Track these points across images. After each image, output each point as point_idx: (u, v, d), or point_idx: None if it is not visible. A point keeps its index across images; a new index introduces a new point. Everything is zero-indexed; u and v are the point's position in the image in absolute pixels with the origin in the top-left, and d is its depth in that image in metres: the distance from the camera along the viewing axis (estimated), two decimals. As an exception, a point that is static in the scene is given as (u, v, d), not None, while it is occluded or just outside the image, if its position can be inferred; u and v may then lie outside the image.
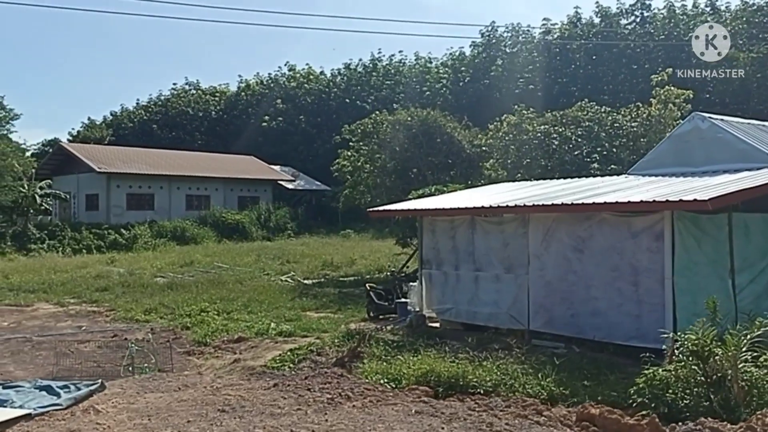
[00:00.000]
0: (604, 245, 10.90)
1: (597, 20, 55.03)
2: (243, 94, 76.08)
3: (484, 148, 24.22)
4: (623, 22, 53.11)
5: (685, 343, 7.14)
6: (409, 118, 24.72)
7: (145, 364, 11.16)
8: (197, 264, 30.21)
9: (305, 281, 24.91)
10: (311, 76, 70.93)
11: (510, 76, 53.61)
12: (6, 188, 36.55)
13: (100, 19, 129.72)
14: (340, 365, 10.27)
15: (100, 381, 7.85)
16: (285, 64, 75.00)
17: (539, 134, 20.97)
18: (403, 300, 14.57)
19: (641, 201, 9.85)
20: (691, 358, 7.01)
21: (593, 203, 10.54)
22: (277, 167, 55.66)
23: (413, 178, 25.01)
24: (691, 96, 20.43)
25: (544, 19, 74.44)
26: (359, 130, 26.91)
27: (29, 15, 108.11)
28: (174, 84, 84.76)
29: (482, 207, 12.62)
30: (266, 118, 67.38)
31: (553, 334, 11.57)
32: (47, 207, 41.94)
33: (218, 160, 52.88)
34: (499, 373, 8.95)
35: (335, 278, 25.44)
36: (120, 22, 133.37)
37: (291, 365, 10.41)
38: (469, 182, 22.63)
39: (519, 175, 20.96)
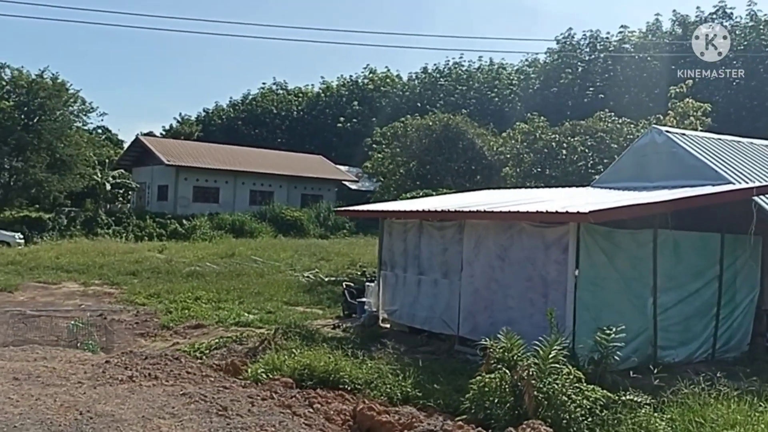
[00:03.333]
0: (521, 255, 10.85)
1: (677, 29, 52.78)
2: (323, 95, 78.00)
3: (508, 156, 24.04)
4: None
5: (495, 350, 7.16)
6: (431, 123, 24.88)
7: (89, 341, 12.06)
8: (237, 256, 31.43)
9: (326, 278, 25.54)
10: (388, 80, 71.81)
11: (582, 84, 52.36)
12: (78, 176, 39.32)
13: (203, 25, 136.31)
14: (252, 354, 10.84)
15: None
16: (365, 67, 76.25)
17: (552, 143, 20.65)
18: (362, 299, 14.90)
19: (537, 212, 9.80)
20: (500, 366, 7.03)
21: (500, 212, 10.59)
22: (344, 167, 56.76)
23: (435, 182, 25.15)
24: (709, 109, 19.54)
25: (622, 26, 71.92)
26: (389, 133, 27.31)
27: (142, 20, 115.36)
28: (263, 83, 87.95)
29: (421, 211, 12.78)
30: (341, 119, 68.78)
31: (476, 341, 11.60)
32: (119, 195, 44.86)
33: (285, 158, 54.57)
34: (371, 372, 9.17)
35: (354, 276, 25.94)
36: (223, 27, 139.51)
37: (206, 350, 11.00)
38: (487, 187, 22.62)
39: (532, 182, 20.81)
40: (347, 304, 16.14)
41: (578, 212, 9.12)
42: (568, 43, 58.77)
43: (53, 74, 39.20)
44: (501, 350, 7.06)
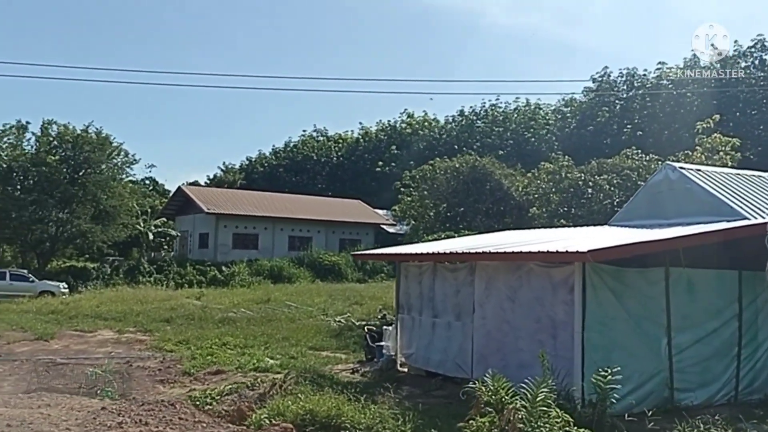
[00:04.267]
0: (530, 296, 10.71)
1: (716, 63, 52.04)
2: (362, 140, 79.10)
3: (535, 195, 23.90)
4: (743, 64, 49.87)
5: (484, 393, 7.04)
6: (458, 165, 24.96)
7: (108, 389, 12.29)
8: (272, 302, 31.70)
9: (357, 322, 25.51)
10: (426, 123, 72.49)
11: (619, 122, 51.92)
12: (121, 226, 40.51)
13: (248, 81, 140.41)
14: (261, 399, 10.89)
15: None
16: (403, 111, 77.26)
17: (579, 182, 20.50)
18: (380, 343, 14.85)
19: (538, 252, 9.70)
20: (488, 408, 6.91)
21: (506, 252, 10.49)
22: (381, 211, 57.07)
23: (465, 224, 25.09)
24: (738, 144, 19.13)
25: (659, 62, 71.24)
26: (418, 176, 27.48)
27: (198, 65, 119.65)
28: (303, 131, 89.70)
29: (432, 253, 12.76)
30: (380, 163, 69.44)
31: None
32: (162, 243, 45.97)
33: (323, 203, 55.23)
34: (373, 417, 9.11)
35: (386, 320, 25.86)
36: (267, 81, 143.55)
37: (218, 396, 11.09)
38: (517, 228, 22.46)
39: (558, 222, 20.61)
40: (369, 348, 16.08)
41: (577, 251, 8.99)
42: (604, 81, 58.54)
43: (97, 128, 40.91)
44: (488, 393, 6.94)
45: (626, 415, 8.03)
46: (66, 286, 34.87)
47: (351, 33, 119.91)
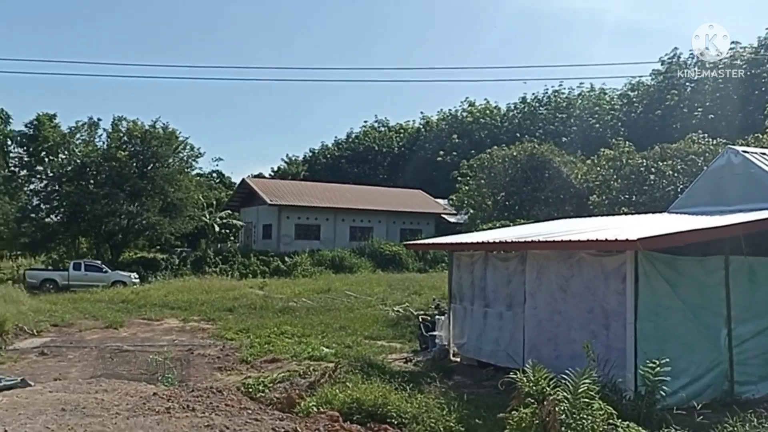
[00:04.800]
0: (582, 286, 10.48)
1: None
2: (423, 129, 78.85)
3: (596, 183, 23.32)
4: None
5: (525, 384, 6.92)
6: (516, 153, 24.55)
7: (168, 375, 12.71)
8: (332, 291, 32.07)
9: (415, 312, 25.54)
10: (487, 111, 71.62)
11: (690, 105, 49.99)
12: (187, 218, 41.72)
13: (310, 74, 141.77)
14: (311, 387, 11.07)
15: (21, 378, 9.47)
16: (464, 100, 76.52)
17: (640, 168, 19.90)
18: (433, 333, 14.83)
19: (587, 240, 9.46)
20: (529, 399, 6.80)
21: (555, 241, 10.26)
22: (442, 201, 56.83)
23: (525, 213, 24.72)
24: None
25: (733, 42, 68.00)
26: (476, 165, 27.18)
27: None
28: (364, 122, 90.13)
29: (483, 242, 12.62)
30: (441, 152, 69.09)
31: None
32: (228, 235, 47.11)
33: (384, 193, 55.40)
34: (419, 406, 9.12)
35: (439, 309, 25.80)
36: (330, 73, 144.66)
37: (270, 384, 11.32)
38: (577, 216, 21.98)
39: (619, 209, 20.07)
40: (422, 337, 16.09)
41: (627, 240, 8.72)
42: (674, 63, 56.41)
43: (164, 124, 42.19)
44: (529, 384, 6.84)
45: (674, 408, 7.75)
46: (137, 276, 36.18)
47: (409, 22, 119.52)
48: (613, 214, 18.57)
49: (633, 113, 54.40)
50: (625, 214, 18.48)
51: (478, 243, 12.90)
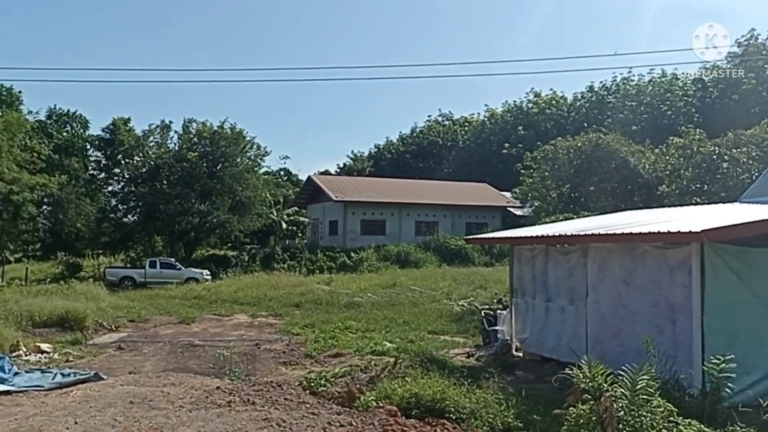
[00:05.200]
0: (646, 279, 10.20)
1: None
2: (488, 122, 78.04)
3: (665, 172, 22.59)
4: None
5: (581, 380, 6.80)
6: (580, 144, 24.00)
7: (236, 369, 13.09)
8: (397, 286, 32.21)
9: (480, 306, 25.38)
10: (553, 101, 70.25)
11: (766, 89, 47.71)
12: (256, 216, 42.72)
13: (375, 71, 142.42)
14: (371, 382, 11.18)
15: (93, 372, 9.88)
16: (530, 91, 75.26)
17: (713, 156, 19.19)
18: (495, 327, 14.72)
19: (649, 233, 9.19)
20: (587, 396, 6.68)
21: (617, 234, 10.02)
22: (508, 194, 56.15)
23: (591, 204, 24.19)
24: None
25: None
26: (539, 156, 26.72)
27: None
28: (428, 116, 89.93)
29: (543, 236, 12.43)
30: (506, 145, 68.24)
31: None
32: (296, 231, 48.01)
33: (449, 187, 55.19)
34: (477, 401, 9.10)
35: (502, 304, 25.56)
36: (394, 70, 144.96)
37: (332, 378, 11.51)
38: (646, 207, 21.37)
39: (690, 199, 19.41)
40: (485, 332, 15.99)
41: (690, 231, 8.43)
42: (751, 44, 53.83)
43: (232, 124, 43.35)
44: (585, 380, 6.72)
45: (741, 406, 7.46)
46: (209, 273, 37.34)
47: (469, 14, 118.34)
48: (684, 204, 17.95)
49: (707, 98, 52.27)
50: (696, 203, 17.85)
51: (537, 237, 12.73)
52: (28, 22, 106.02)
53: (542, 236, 12.49)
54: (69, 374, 9.88)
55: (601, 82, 67.38)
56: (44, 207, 45.72)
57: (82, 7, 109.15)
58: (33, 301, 21.32)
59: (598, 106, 63.89)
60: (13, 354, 14.51)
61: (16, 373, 10.03)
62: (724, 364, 7.24)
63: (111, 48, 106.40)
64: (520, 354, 13.80)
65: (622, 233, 9.86)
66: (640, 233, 9.50)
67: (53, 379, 9.42)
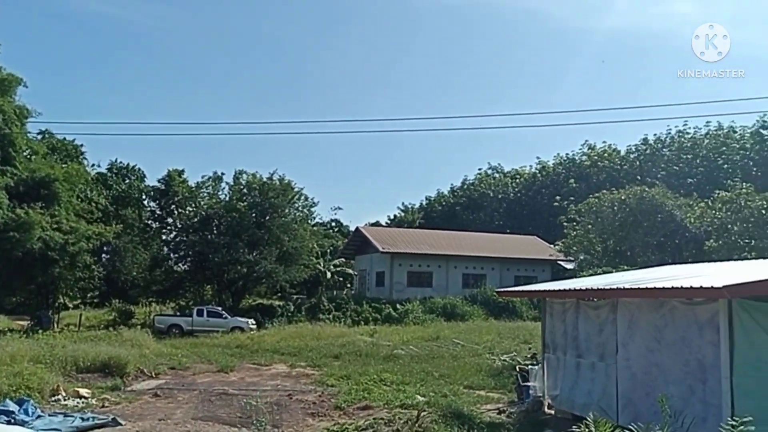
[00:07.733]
0: (676, 336, 9.85)
1: None
2: (539, 175, 77.56)
3: (713, 227, 21.96)
4: None
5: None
6: (624, 197, 23.61)
7: (262, 419, 13.10)
8: (441, 339, 31.81)
9: (522, 362, 24.83)
10: (606, 154, 69.50)
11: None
12: (302, 266, 43.16)
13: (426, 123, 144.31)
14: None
15: (112, 417, 10.01)
16: (584, 143, 74.64)
17: (762, 210, 18.63)
18: (526, 384, 14.37)
19: (672, 287, 8.91)
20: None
21: (641, 288, 9.73)
22: (557, 247, 55.34)
23: (639, 259, 23.63)
24: None
25: None
26: (583, 209, 26.37)
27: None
28: (479, 169, 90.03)
29: (572, 290, 12.18)
30: (558, 198, 67.49)
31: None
32: (342, 282, 48.22)
33: (498, 240, 54.76)
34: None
35: (536, 359, 24.93)
36: (443, 122, 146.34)
37: (354, 431, 11.41)
38: (693, 262, 20.76)
39: (744, 255, 18.78)
40: (520, 388, 15.62)
41: (711, 287, 8.15)
42: (811, 95, 52.41)
43: (281, 176, 44.31)
44: (593, 440, 6.48)
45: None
46: (254, 322, 37.68)
47: (521, 65, 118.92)
48: (732, 260, 17.39)
49: (765, 151, 50.87)
50: (745, 259, 17.26)
51: (565, 290, 12.49)
52: (89, 78, 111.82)
53: (570, 290, 12.26)
54: (88, 418, 10.09)
55: (655, 134, 66.43)
56: (103, 255, 47.27)
57: (149, 65, 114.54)
58: (80, 346, 21.90)
59: (652, 158, 62.83)
60: (53, 398, 14.91)
61: (38, 416, 10.31)
62: (742, 427, 6.87)
63: (167, 102, 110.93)
64: (552, 411, 13.40)
65: (647, 288, 9.59)
66: (663, 288, 9.22)
67: (72, 423, 9.65)
